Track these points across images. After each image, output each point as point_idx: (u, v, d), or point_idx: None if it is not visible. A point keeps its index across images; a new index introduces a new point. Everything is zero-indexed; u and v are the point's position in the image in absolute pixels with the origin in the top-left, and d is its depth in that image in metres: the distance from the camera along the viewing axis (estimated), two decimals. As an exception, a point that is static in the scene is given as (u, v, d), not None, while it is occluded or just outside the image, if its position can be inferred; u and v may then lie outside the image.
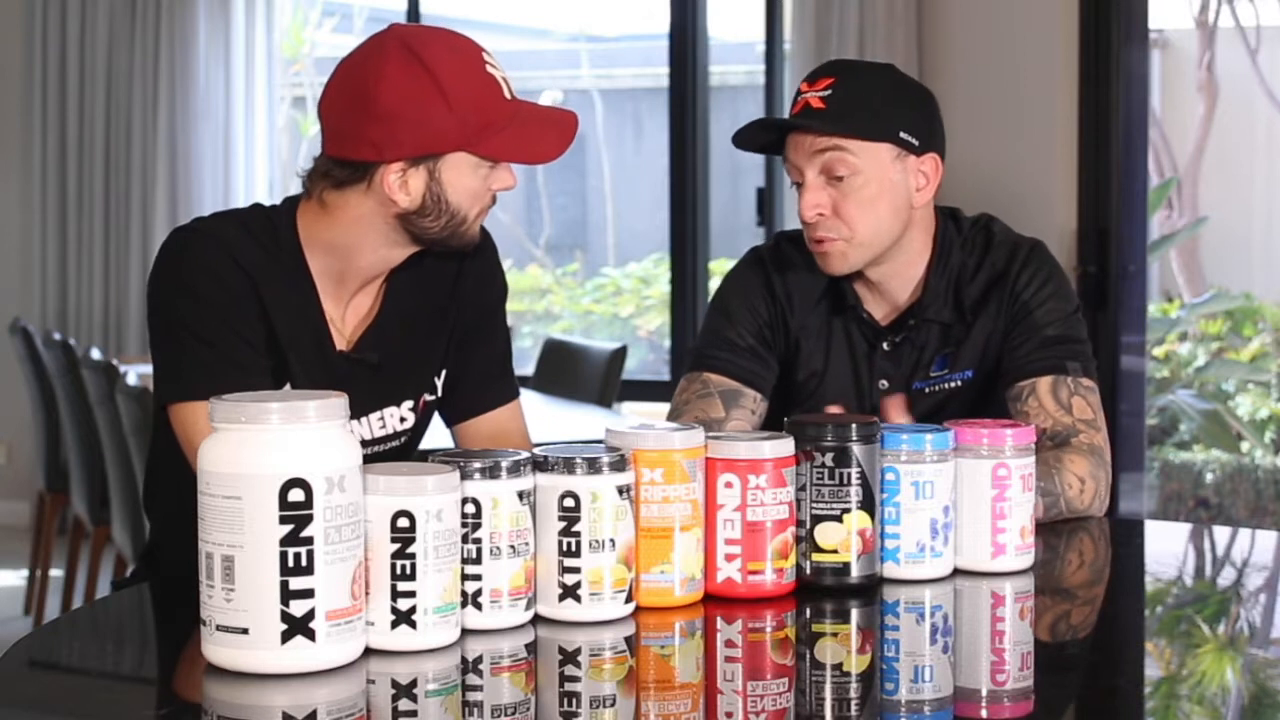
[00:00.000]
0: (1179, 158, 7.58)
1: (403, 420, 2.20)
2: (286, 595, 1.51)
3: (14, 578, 6.02)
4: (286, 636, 1.51)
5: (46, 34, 6.66)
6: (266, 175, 6.68)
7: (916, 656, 1.70)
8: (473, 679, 1.59)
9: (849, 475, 1.82)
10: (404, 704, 1.54)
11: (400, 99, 1.96)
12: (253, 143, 6.63)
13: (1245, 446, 6.90)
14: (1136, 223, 5.27)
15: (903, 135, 2.30)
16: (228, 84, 6.60)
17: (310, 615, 1.51)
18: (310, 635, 1.51)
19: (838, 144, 2.28)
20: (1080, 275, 5.11)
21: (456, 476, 1.62)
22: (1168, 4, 7.55)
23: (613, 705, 1.54)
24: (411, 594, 1.59)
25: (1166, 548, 2.42)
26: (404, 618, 1.59)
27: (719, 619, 1.78)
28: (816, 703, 1.56)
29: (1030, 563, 1.94)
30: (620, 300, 8.35)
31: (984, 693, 1.59)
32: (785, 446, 1.81)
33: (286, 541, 1.50)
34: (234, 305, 2.04)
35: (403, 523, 1.58)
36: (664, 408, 2.55)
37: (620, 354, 5.14)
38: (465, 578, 1.65)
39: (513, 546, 1.67)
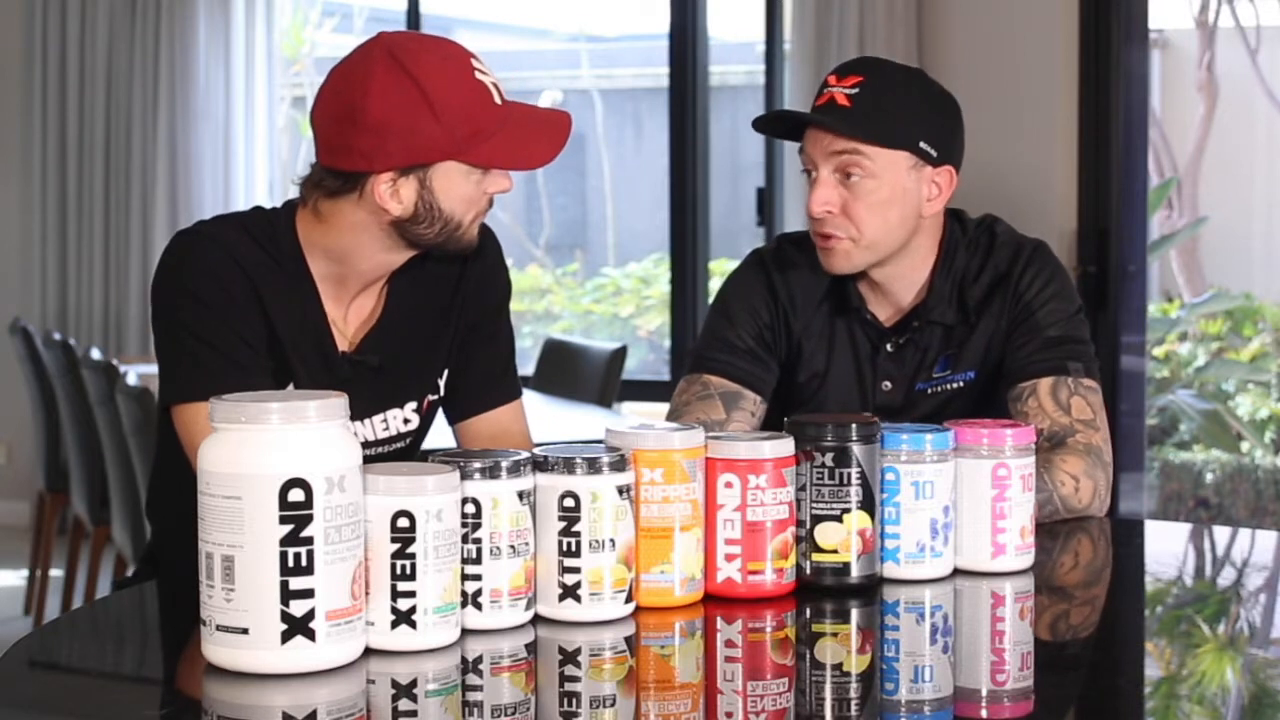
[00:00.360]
0: (1179, 158, 7.58)
1: (406, 422, 2.20)
2: (286, 595, 1.51)
3: (14, 578, 6.02)
4: (286, 636, 1.51)
5: (46, 34, 6.66)
6: (266, 175, 6.68)
7: (916, 656, 1.70)
8: (473, 679, 1.59)
9: (849, 475, 1.82)
10: (404, 704, 1.54)
11: (387, 110, 1.96)
12: (253, 143, 6.63)
13: (1245, 446, 6.90)
14: (1136, 223, 5.27)
15: (922, 145, 2.30)
16: (228, 84, 6.60)
17: (310, 615, 1.51)
18: (310, 635, 1.51)
19: (857, 148, 2.28)
20: (1080, 275, 5.11)
21: (456, 476, 1.62)
22: (1168, 4, 7.55)
23: (613, 705, 1.54)
24: (411, 594, 1.59)
25: (1166, 548, 2.42)
26: (404, 618, 1.59)
27: (719, 619, 1.78)
28: (816, 703, 1.56)
29: (1030, 563, 1.95)
30: (620, 300, 8.34)
31: (984, 693, 1.59)
32: (785, 446, 1.81)
33: (286, 541, 1.50)
34: (236, 307, 2.05)
35: (403, 523, 1.58)
36: (664, 408, 2.55)
37: (620, 354, 5.14)
38: (465, 578, 1.65)
39: (513, 546, 1.67)
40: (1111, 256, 5.16)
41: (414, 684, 1.57)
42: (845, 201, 2.30)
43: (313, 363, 2.11)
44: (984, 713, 1.55)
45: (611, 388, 5.08)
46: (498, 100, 2.02)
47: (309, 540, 1.51)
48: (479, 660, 1.62)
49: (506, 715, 1.51)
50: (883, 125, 2.28)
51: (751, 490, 1.79)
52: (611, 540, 1.70)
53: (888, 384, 2.41)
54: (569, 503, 1.69)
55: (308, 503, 1.50)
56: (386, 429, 2.19)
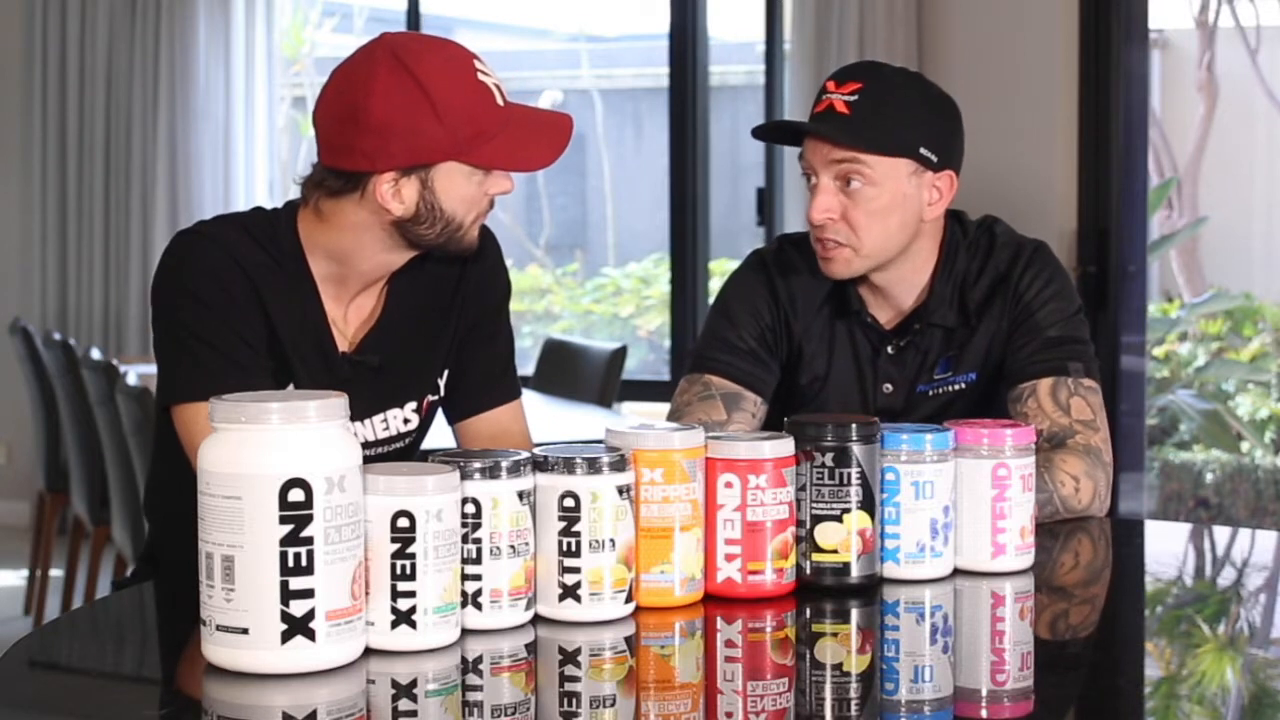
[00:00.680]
0: (1179, 158, 7.58)
1: (406, 422, 2.20)
2: (286, 595, 1.51)
3: (14, 578, 6.02)
4: (286, 636, 1.51)
5: (46, 34, 6.66)
6: (266, 175, 6.68)
7: (916, 656, 1.70)
8: (473, 679, 1.59)
9: (849, 475, 1.82)
10: (404, 704, 1.54)
11: (390, 110, 1.96)
12: (253, 143, 6.63)
13: (1245, 446, 6.90)
14: (1136, 223, 5.27)
15: (922, 151, 2.29)
16: (228, 84, 6.60)
17: (310, 615, 1.51)
18: (310, 635, 1.51)
19: (856, 156, 2.27)
20: (1080, 275, 5.11)
21: (456, 476, 1.62)
22: (1168, 4, 7.55)
23: (613, 705, 1.54)
24: (411, 594, 1.59)
25: (1166, 548, 2.42)
26: (404, 618, 1.59)
27: (719, 619, 1.78)
28: (816, 703, 1.56)
29: (1030, 563, 1.95)
30: (620, 300, 8.34)
31: (984, 693, 1.59)
32: (785, 446, 1.81)
33: (286, 541, 1.50)
34: (236, 307, 2.05)
35: (403, 523, 1.58)
36: (664, 408, 2.55)
37: (620, 354, 5.14)
38: (465, 578, 1.65)
39: (513, 546, 1.67)
40: (1111, 256, 5.16)
41: (414, 684, 1.57)
42: (845, 209, 2.30)
43: (313, 363, 2.11)
44: (984, 713, 1.55)
45: (611, 388, 5.08)
46: (500, 102, 2.02)
47: (309, 540, 1.51)
48: (479, 660, 1.62)
49: (506, 715, 1.51)
50: (882, 133, 2.27)
51: (751, 490, 1.79)
52: (611, 540, 1.70)
53: (889, 386, 2.41)
54: (569, 503, 1.69)
55: (308, 503, 1.50)
56: (386, 429, 2.19)
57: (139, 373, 4.48)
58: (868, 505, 1.84)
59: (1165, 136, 7.57)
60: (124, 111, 6.60)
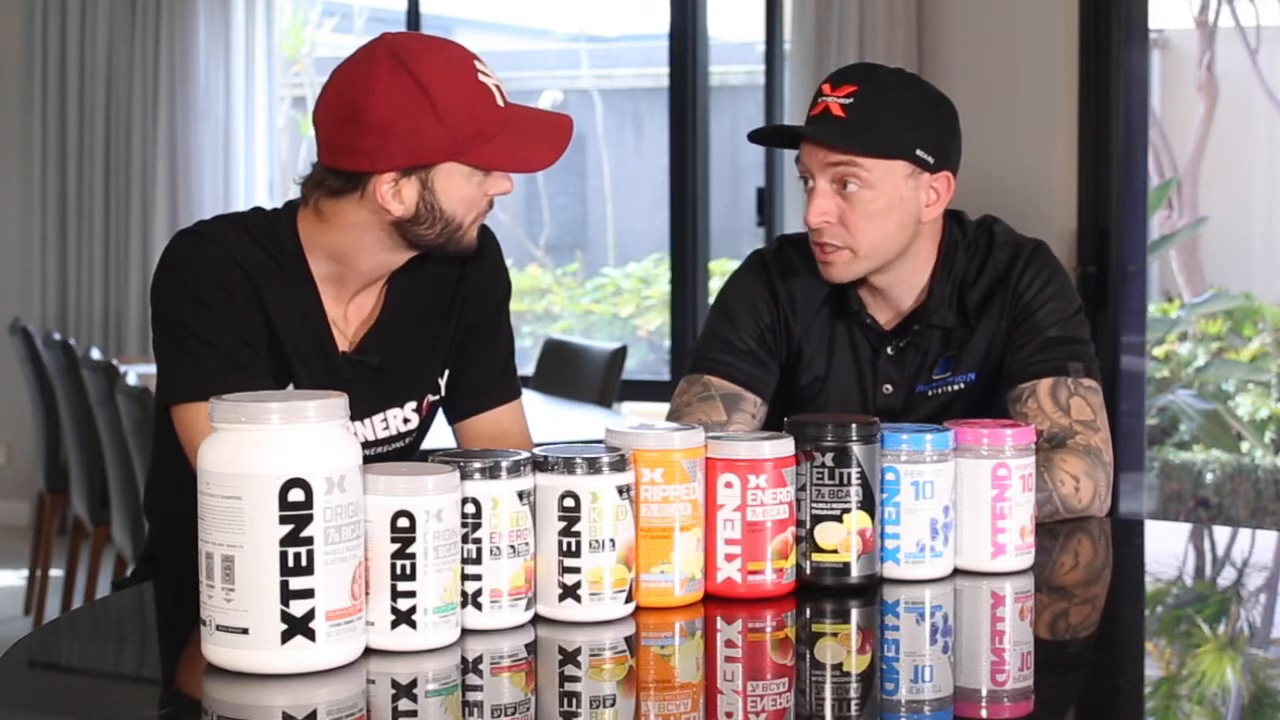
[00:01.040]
0: (1179, 158, 7.58)
1: (406, 421, 2.20)
2: (286, 595, 1.51)
3: (14, 578, 6.02)
4: (286, 636, 1.51)
5: (46, 34, 6.66)
6: (266, 175, 6.68)
7: (916, 656, 1.70)
8: (473, 679, 1.59)
9: (849, 475, 1.82)
10: (404, 704, 1.54)
11: (390, 110, 1.96)
12: (253, 143, 6.63)
13: (1245, 446, 6.90)
14: (1136, 223, 5.27)
15: (919, 153, 2.29)
16: (228, 84, 6.60)
17: (310, 615, 1.51)
18: (310, 635, 1.51)
19: (852, 159, 2.27)
20: (1080, 275, 5.11)
21: (456, 476, 1.62)
22: (1168, 4, 7.55)
23: (613, 705, 1.54)
24: (411, 594, 1.59)
25: (1166, 548, 2.42)
26: (404, 618, 1.59)
27: (719, 619, 1.78)
28: (816, 703, 1.56)
29: (1030, 563, 1.95)
30: (620, 300, 8.34)
31: (984, 693, 1.59)
32: (785, 446, 1.81)
33: (286, 541, 1.50)
34: (236, 307, 2.05)
35: (403, 523, 1.58)
36: (664, 408, 2.55)
37: (620, 354, 5.14)
38: (465, 578, 1.65)
39: (513, 546, 1.67)
40: (1111, 256, 5.16)
41: (414, 684, 1.57)
42: (843, 212, 2.30)
43: (313, 363, 2.11)
44: (984, 713, 1.55)
45: (611, 388, 5.08)
46: (500, 102, 2.02)
47: (309, 540, 1.51)
48: (479, 660, 1.62)
49: (506, 715, 1.51)
50: (878, 136, 2.27)
51: (751, 490, 1.79)
52: (611, 540, 1.70)
53: (889, 387, 2.41)
54: (569, 503, 1.69)
55: (308, 503, 1.50)
56: (386, 429, 2.19)
57: (139, 373, 4.48)
58: (868, 505, 1.84)
59: (1165, 136, 7.57)
60: (124, 111, 6.60)
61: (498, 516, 1.65)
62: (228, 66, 6.59)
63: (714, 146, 6.38)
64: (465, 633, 1.65)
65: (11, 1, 6.86)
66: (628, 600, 1.72)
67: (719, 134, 6.55)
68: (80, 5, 6.64)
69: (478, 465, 1.65)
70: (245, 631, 1.51)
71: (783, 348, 2.44)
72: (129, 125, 6.59)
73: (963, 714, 1.54)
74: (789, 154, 2.40)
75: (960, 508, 1.91)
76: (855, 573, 1.84)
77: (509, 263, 2.32)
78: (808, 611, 1.81)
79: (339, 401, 1.56)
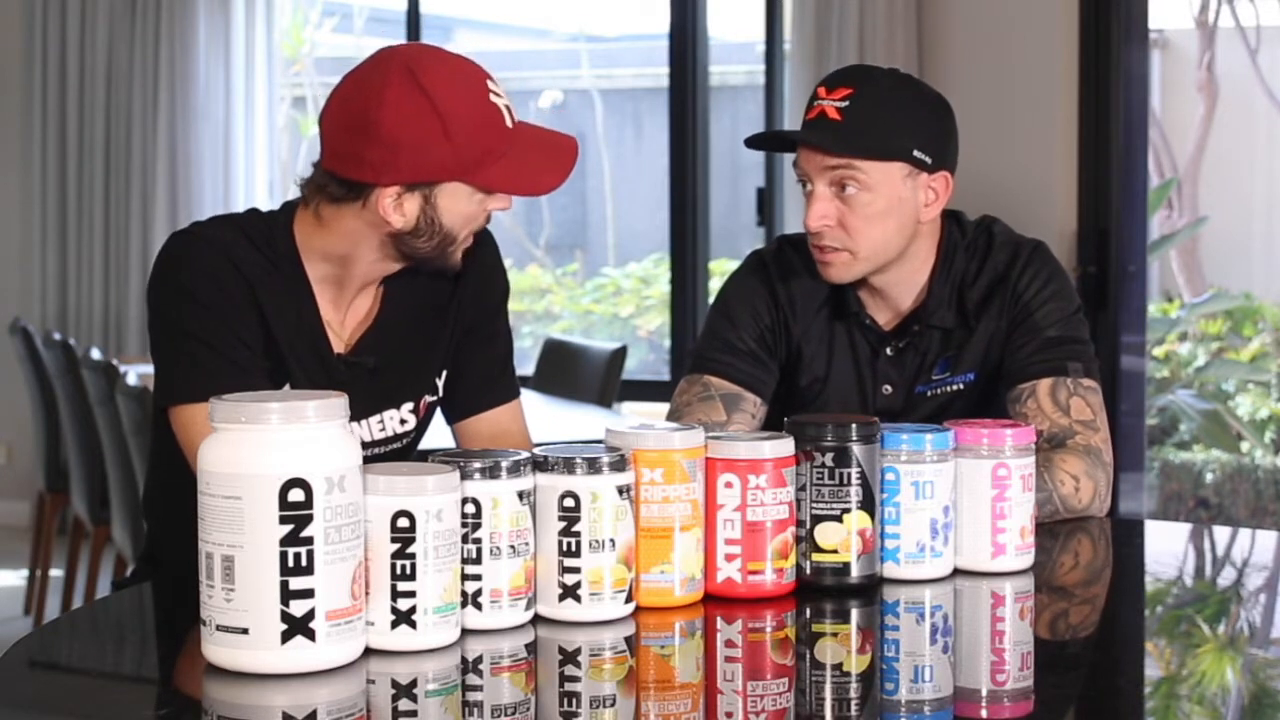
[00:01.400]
0: (1179, 158, 7.58)
1: (403, 423, 2.20)
2: (286, 595, 1.51)
3: (14, 578, 6.02)
4: (286, 636, 1.51)
5: (46, 34, 6.66)
6: (266, 175, 6.68)
7: (916, 656, 1.70)
8: (473, 679, 1.59)
9: (849, 475, 1.82)
10: (404, 704, 1.54)
11: (400, 125, 1.96)
12: (253, 143, 6.63)
13: (1245, 446, 6.90)
14: (1136, 223, 5.27)
15: (916, 154, 2.29)
16: (228, 84, 6.60)
17: (310, 615, 1.51)
18: (310, 635, 1.51)
19: (850, 162, 2.27)
20: (1080, 275, 5.11)
21: (456, 476, 1.62)
22: (1168, 4, 7.55)
23: (613, 705, 1.54)
24: (411, 594, 1.59)
25: (1166, 548, 2.42)
26: (404, 618, 1.59)
27: (719, 619, 1.78)
28: (816, 703, 1.56)
29: (1030, 563, 1.95)
30: (620, 300, 8.34)
31: (984, 693, 1.59)
32: (785, 446, 1.81)
33: (286, 541, 1.50)
34: (232, 308, 2.05)
35: (403, 523, 1.58)
36: (664, 408, 2.55)
37: (620, 354, 5.14)
38: (465, 578, 1.65)
39: (513, 546, 1.67)
40: (1111, 256, 5.16)
41: (414, 684, 1.57)
42: (842, 215, 2.30)
43: (308, 364, 2.11)
44: (984, 713, 1.55)
45: (611, 388, 5.08)
46: (509, 123, 2.02)
47: (309, 540, 1.51)
48: (479, 660, 1.62)
49: (506, 715, 1.51)
50: (875, 138, 2.27)
51: (751, 490, 1.79)
52: (611, 540, 1.70)
53: (888, 388, 2.41)
54: (569, 503, 1.69)
55: (308, 503, 1.50)
56: (383, 430, 2.19)
57: (139, 373, 4.48)
58: (868, 505, 1.84)
59: (1165, 136, 7.57)
60: (124, 111, 6.60)
61: (498, 516, 1.65)
62: (228, 66, 6.59)
63: (714, 146, 6.38)
64: (465, 633, 1.65)
65: (11, 1, 6.86)
66: (628, 600, 1.72)
67: (719, 134, 6.55)
68: (80, 5, 6.64)
69: (478, 465, 1.65)
70: (245, 631, 1.51)
71: (782, 348, 2.44)
72: (129, 125, 6.59)
73: (963, 714, 1.54)
74: (788, 155, 2.40)
75: (960, 508, 1.91)
76: (855, 573, 1.84)
77: (508, 263, 2.32)
78: (808, 611, 1.81)
79: (339, 401, 1.56)
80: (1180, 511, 6.79)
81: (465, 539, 1.64)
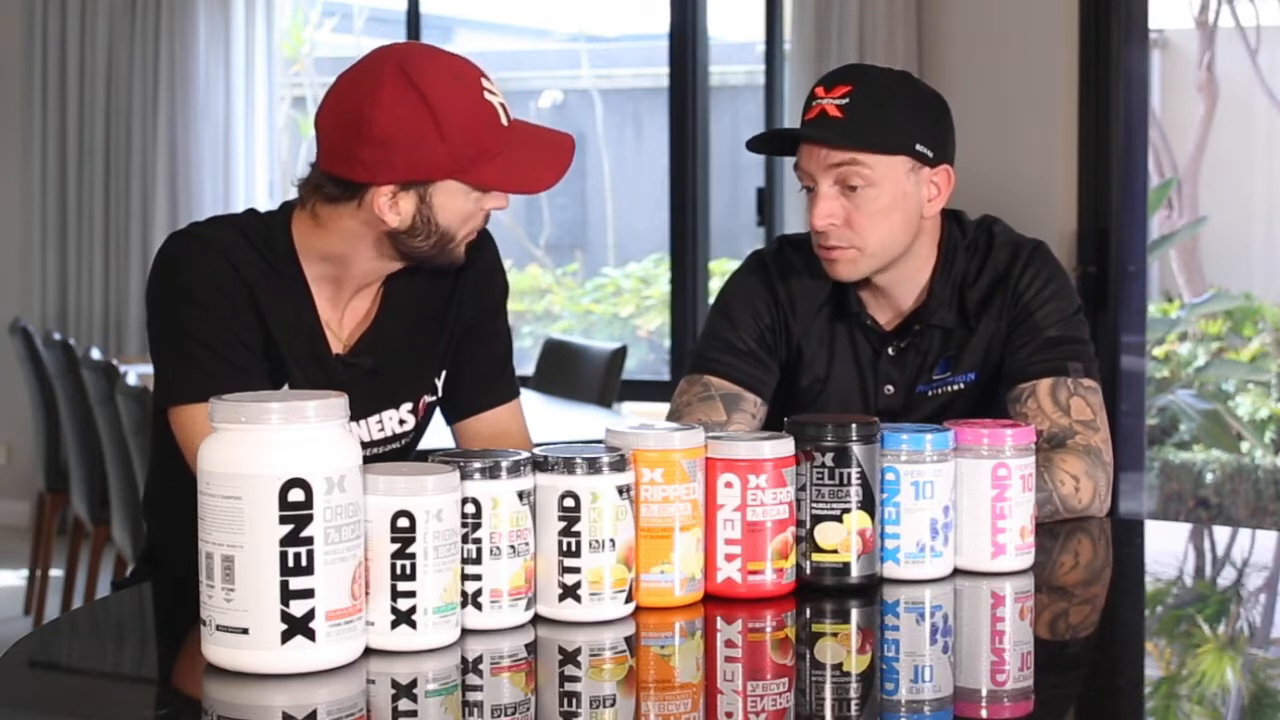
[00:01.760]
0: (1179, 158, 7.58)
1: (402, 423, 2.20)
2: (286, 595, 1.51)
3: (14, 578, 6.02)
4: (286, 636, 1.51)
5: (46, 34, 6.66)
6: (266, 175, 6.68)
7: (916, 656, 1.70)
8: (473, 679, 1.59)
9: (849, 475, 1.82)
10: (404, 704, 1.54)
11: (394, 124, 1.96)
12: (253, 143, 6.63)
13: (1245, 446, 6.90)
14: (1136, 223, 5.28)
15: (918, 147, 2.29)
16: (228, 84, 6.60)
17: (310, 615, 1.51)
18: (310, 635, 1.51)
19: (854, 158, 2.27)
20: (1080, 275, 5.11)
21: (456, 476, 1.62)
22: (1168, 4, 7.55)
23: (613, 705, 1.54)
24: (411, 594, 1.59)
25: (1166, 548, 2.42)
26: (404, 618, 1.59)
27: (719, 619, 1.78)
28: (816, 703, 1.56)
29: (1030, 563, 1.95)
30: (620, 300, 8.34)
31: (984, 693, 1.59)
32: (785, 446, 1.81)
33: (286, 541, 1.50)
34: (231, 309, 2.04)
35: (403, 523, 1.58)
36: (664, 408, 2.55)
37: (620, 354, 5.14)
38: (465, 578, 1.65)
39: (513, 546, 1.67)
40: (1111, 256, 5.16)
41: (414, 684, 1.57)
42: (848, 212, 2.30)
43: (307, 365, 2.11)
44: (984, 713, 1.55)
45: (611, 388, 5.08)
46: (504, 121, 2.02)
47: (309, 540, 1.51)
48: (479, 660, 1.62)
49: (506, 715, 1.51)
50: (878, 132, 2.27)
51: (751, 490, 1.79)
52: (611, 540, 1.70)
53: (889, 388, 2.41)
54: (569, 503, 1.69)
55: (308, 503, 1.50)
56: (382, 430, 2.19)
57: (139, 373, 4.48)
58: (868, 505, 1.84)
59: (1165, 136, 7.57)
60: (124, 111, 6.60)
61: (498, 516, 1.65)
62: (228, 66, 6.59)
63: (714, 146, 6.38)
64: (465, 633, 1.65)
65: (11, 1, 6.86)
66: (628, 600, 1.72)
67: (719, 134, 6.55)
68: (80, 5, 6.64)
69: (478, 465, 1.65)
70: (245, 631, 1.51)
71: (782, 348, 2.44)
72: (129, 125, 6.59)
73: (963, 714, 1.54)
74: (789, 156, 2.40)
75: (960, 508, 1.91)
76: (855, 573, 1.84)
77: (508, 263, 2.32)
78: (808, 611, 1.81)
79: (339, 401, 1.56)
80: (1180, 511, 6.79)
81: (465, 539, 1.64)
